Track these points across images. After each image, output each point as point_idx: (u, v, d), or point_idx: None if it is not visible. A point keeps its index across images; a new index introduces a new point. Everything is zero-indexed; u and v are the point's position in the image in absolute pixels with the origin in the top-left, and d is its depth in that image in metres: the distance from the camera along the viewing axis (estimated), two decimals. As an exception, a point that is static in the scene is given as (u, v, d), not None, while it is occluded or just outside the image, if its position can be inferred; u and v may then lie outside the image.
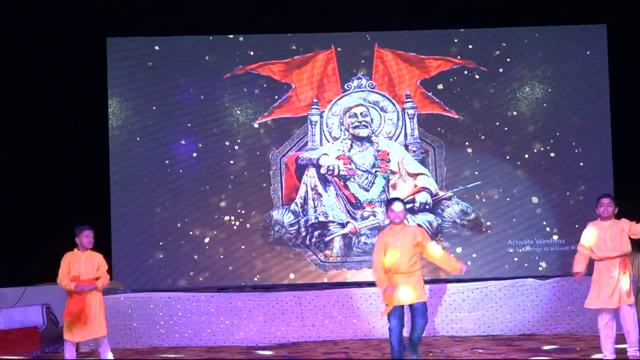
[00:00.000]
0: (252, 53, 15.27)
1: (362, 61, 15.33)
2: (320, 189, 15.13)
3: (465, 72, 15.32)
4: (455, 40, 15.38)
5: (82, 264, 11.41)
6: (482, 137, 15.24)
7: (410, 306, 10.80)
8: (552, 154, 15.21)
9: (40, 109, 15.82)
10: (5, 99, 15.75)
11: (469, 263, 14.94)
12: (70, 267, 11.37)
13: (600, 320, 11.16)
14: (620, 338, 11.23)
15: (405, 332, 10.89)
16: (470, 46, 15.32)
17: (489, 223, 15.15)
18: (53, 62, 15.73)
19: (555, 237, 15.11)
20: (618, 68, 15.33)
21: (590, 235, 11.25)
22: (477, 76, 15.30)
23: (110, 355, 11.81)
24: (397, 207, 10.87)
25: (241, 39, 15.36)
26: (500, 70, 15.33)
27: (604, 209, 11.24)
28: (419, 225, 14.46)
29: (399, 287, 10.62)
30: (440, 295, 13.95)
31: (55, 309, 14.35)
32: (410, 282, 10.71)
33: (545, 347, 12.75)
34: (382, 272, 10.75)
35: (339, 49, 15.31)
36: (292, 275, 15.08)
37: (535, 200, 15.15)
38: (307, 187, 15.14)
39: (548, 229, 15.12)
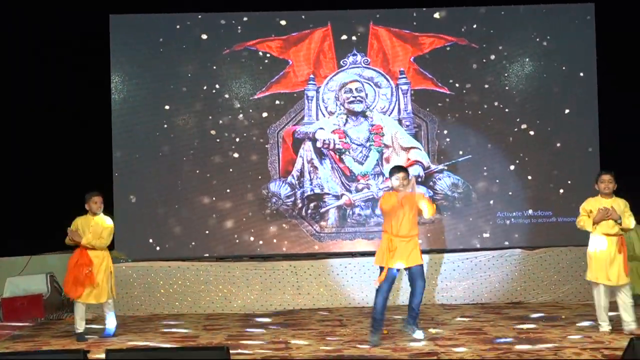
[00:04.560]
0: (250, 30, 15.22)
1: (357, 38, 15.29)
2: (316, 162, 15.13)
3: (458, 49, 15.30)
4: (449, 19, 15.35)
5: (90, 227, 11.63)
6: (473, 112, 15.22)
7: (409, 270, 10.82)
8: (541, 129, 15.19)
9: (46, 85, 15.79)
10: (10, 75, 15.73)
11: (458, 234, 15.06)
12: (79, 230, 11.61)
13: (596, 293, 11.16)
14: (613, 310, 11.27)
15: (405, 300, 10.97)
16: (462, 24, 15.29)
17: (479, 195, 15.16)
18: (58, 40, 15.70)
19: (542, 210, 15.13)
20: (605, 45, 15.30)
21: (590, 207, 11.16)
22: (469, 53, 15.27)
23: (113, 323, 11.89)
24: (400, 174, 10.85)
25: (241, 17, 15.30)
26: (491, 47, 15.29)
27: (605, 185, 11.09)
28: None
29: (397, 251, 10.68)
30: (432, 265, 14.00)
31: (59, 278, 14.40)
32: (408, 246, 10.74)
33: (532, 315, 12.80)
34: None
35: (335, 27, 15.28)
36: (288, 245, 15.11)
37: (523, 173, 15.16)
38: (303, 160, 15.14)
39: (536, 201, 15.13)
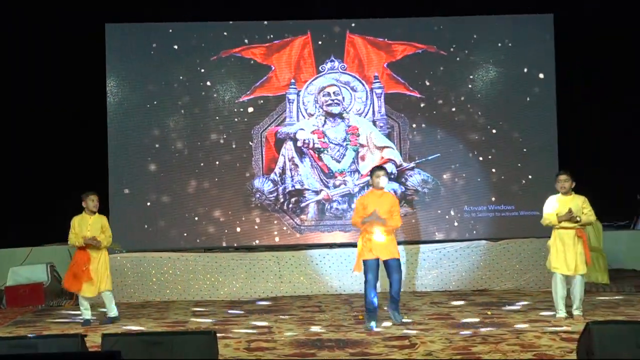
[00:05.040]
0: (236, 38, 15.25)
1: (335, 46, 15.32)
2: (296, 160, 15.16)
3: (428, 56, 15.35)
4: (419, 28, 15.41)
5: (88, 226, 11.62)
6: (442, 114, 15.27)
7: (385, 263, 10.89)
8: (504, 129, 15.25)
9: (46, 87, 15.81)
10: (10, 78, 15.73)
11: (432, 228, 15.13)
12: (77, 228, 11.59)
13: (554, 282, 11.21)
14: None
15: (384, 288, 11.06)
16: (432, 33, 15.34)
17: (447, 191, 15.23)
18: (56, 46, 15.72)
19: (505, 204, 15.20)
20: (563, 51, 15.41)
21: (551, 206, 11.21)
22: (438, 59, 15.33)
23: (114, 310, 11.91)
24: (381, 174, 10.98)
25: (227, 25, 15.33)
26: (459, 54, 15.34)
27: (561, 185, 11.14)
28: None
29: (374, 241, 10.76)
30: (404, 255, 14.06)
31: (59, 268, 14.42)
32: (385, 241, 10.82)
33: (496, 301, 12.88)
34: (358, 221, 10.89)
35: (314, 35, 15.31)
36: (271, 237, 15.13)
37: (488, 170, 15.22)
38: (285, 158, 15.17)
39: (500, 196, 15.20)
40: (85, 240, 11.55)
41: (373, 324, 10.73)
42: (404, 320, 11.02)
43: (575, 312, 11.11)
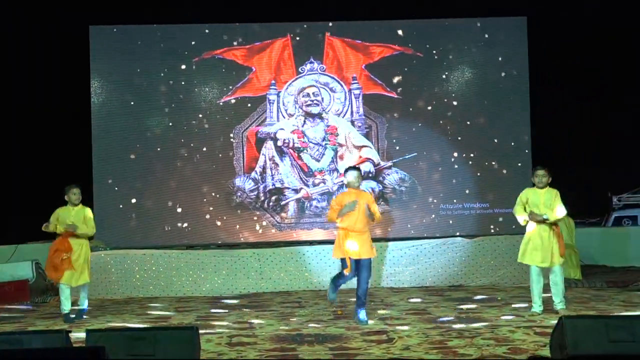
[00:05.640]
0: (218, 40, 15.24)
1: (314, 48, 15.35)
2: (277, 159, 15.17)
3: (404, 58, 15.38)
4: (396, 30, 15.45)
5: (71, 217, 11.58)
6: (419, 114, 15.32)
7: (357, 261, 10.88)
8: (480, 129, 15.33)
9: (31, 88, 15.75)
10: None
11: (409, 225, 15.16)
12: (59, 219, 11.54)
13: (531, 275, 11.24)
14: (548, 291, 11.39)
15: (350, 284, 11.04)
16: (409, 35, 15.39)
17: (423, 189, 15.27)
18: (41, 47, 15.67)
19: (480, 202, 15.26)
20: (536, 52, 15.48)
21: (526, 196, 11.20)
22: (414, 61, 15.37)
23: (85, 303, 11.86)
24: (354, 174, 10.95)
25: (209, 27, 15.33)
26: (435, 56, 15.40)
27: (539, 179, 11.10)
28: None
29: (350, 241, 10.74)
30: (381, 252, 14.07)
31: (44, 265, 14.33)
32: (361, 239, 10.81)
33: (472, 297, 12.91)
34: (334, 216, 10.87)
35: (294, 37, 15.32)
36: (252, 234, 15.14)
37: (464, 169, 15.28)
38: (265, 157, 15.17)
39: (475, 194, 15.26)
40: (65, 227, 11.49)
41: (334, 295, 10.98)
42: (369, 322, 10.79)
43: (559, 307, 11.08)
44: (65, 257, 11.51)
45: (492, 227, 15.09)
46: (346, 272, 10.78)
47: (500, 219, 14.99)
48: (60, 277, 11.56)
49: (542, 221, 10.99)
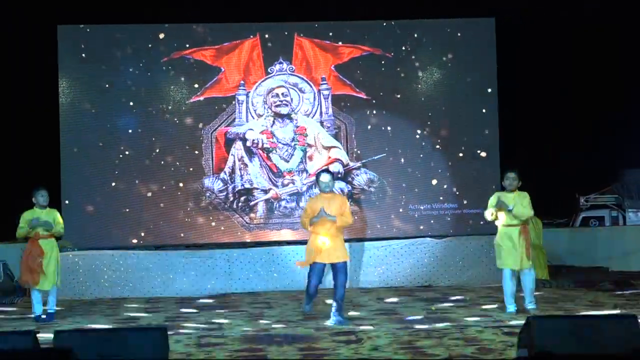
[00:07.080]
0: (187, 40, 15.19)
1: (283, 48, 15.34)
2: (246, 159, 15.15)
3: (373, 59, 15.41)
4: (366, 31, 15.48)
5: (42, 220, 11.53)
6: (387, 115, 15.34)
7: (333, 265, 10.90)
8: (448, 130, 15.38)
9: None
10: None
11: (378, 226, 15.19)
12: (29, 222, 11.52)
13: (504, 278, 11.33)
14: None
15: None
16: (378, 36, 15.42)
17: (392, 190, 15.30)
18: (7, 46, 15.59)
19: (449, 202, 15.31)
20: (504, 54, 15.56)
21: (495, 199, 11.31)
22: (383, 62, 15.39)
23: (54, 305, 11.79)
24: (325, 178, 10.97)
25: (178, 27, 15.28)
26: (404, 57, 15.43)
27: (509, 182, 11.31)
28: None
29: (323, 246, 10.75)
30: (350, 253, 14.07)
31: (12, 266, 14.23)
32: (335, 244, 10.82)
33: (440, 297, 12.97)
34: (307, 224, 10.89)
35: (263, 37, 15.30)
36: (221, 235, 15.11)
37: (432, 170, 15.32)
38: (234, 158, 15.15)
39: (444, 195, 15.30)
40: (34, 221, 11.45)
41: (308, 307, 11.13)
42: (349, 325, 10.77)
43: (530, 306, 11.22)
44: (40, 260, 11.49)
45: (461, 227, 15.14)
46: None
47: (470, 221, 15.06)
48: (37, 281, 11.53)
49: (508, 211, 11.11)
